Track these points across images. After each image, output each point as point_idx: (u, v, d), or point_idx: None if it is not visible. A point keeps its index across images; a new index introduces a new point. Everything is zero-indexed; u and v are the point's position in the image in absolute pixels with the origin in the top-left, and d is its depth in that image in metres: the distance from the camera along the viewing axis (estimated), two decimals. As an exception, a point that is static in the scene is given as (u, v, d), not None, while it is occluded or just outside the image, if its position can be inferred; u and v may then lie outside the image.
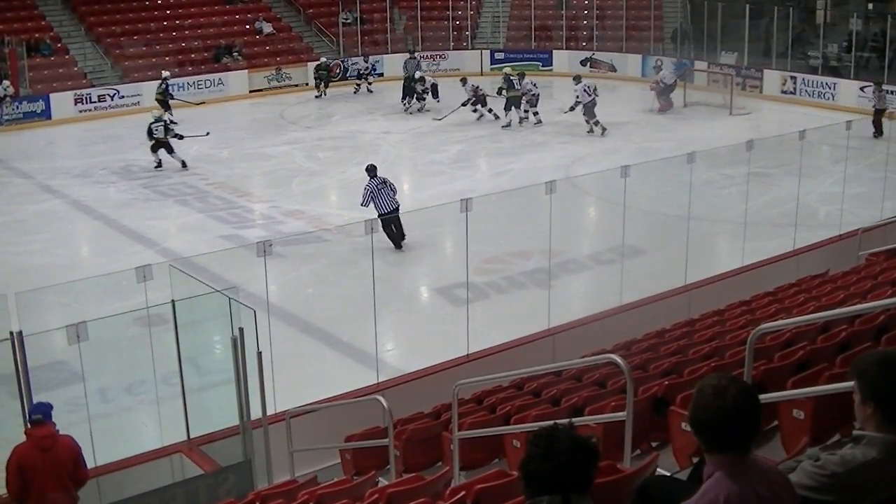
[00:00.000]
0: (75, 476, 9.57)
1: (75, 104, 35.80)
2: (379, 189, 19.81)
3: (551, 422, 4.36)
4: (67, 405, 12.67)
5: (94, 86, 36.90)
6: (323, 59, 38.93)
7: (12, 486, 9.28)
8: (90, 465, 10.38)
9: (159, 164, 27.50)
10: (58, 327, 10.84)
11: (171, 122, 29.69)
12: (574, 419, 8.50)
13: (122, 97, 36.75)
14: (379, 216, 18.55)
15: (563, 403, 9.81)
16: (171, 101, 33.92)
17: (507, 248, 19.63)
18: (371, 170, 20.28)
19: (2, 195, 25.79)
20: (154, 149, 27.46)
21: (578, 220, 22.33)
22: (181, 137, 27.78)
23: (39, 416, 9.43)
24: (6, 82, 34.91)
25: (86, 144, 31.28)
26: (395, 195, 20.06)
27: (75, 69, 37.75)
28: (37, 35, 38.13)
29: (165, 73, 34.92)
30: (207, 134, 30.31)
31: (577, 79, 31.04)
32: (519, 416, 9.65)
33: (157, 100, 33.62)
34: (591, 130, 30.17)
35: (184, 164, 27.48)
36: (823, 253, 17.24)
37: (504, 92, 31.52)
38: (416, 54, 39.09)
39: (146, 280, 11.39)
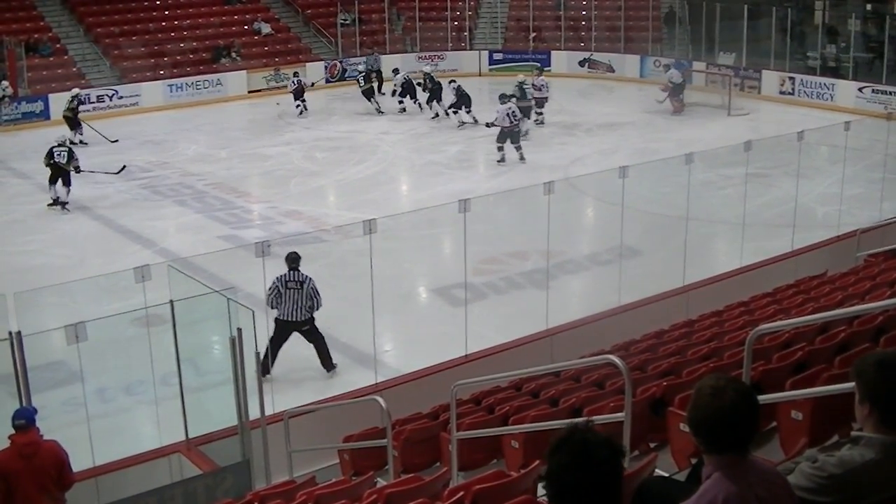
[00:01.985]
0: (60, 482, 9.53)
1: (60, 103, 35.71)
2: (286, 288, 14.49)
3: (569, 423, 4.18)
4: (66, 405, 12.72)
5: (92, 86, 36.91)
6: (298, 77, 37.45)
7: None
8: (88, 464, 10.39)
9: (55, 202, 24.26)
10: (57, 327, 10.86)
11: (80, 141, 30.05)
12: (573, 420, 8.53)
13: (121, 97, 36.79)
14: (276, 321, 14.51)
15: (562, 404, 9.81)
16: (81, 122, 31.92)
17: (506, 248, 19.63)
18: (292, 260, 14.71)
19: (0, 195, 25.79)
20: (52, 179, 24.35)
21: (577, 220, 22.36)
22: (78, 171, 24.84)
23: (22, 421, 9.36)
24: (5, 83, 34.98)
25: (84, 145, 31.23)
26: (309, 303, 14.60)
27: (74, 69, 37.78)
28: (35, 35, 38.17)
29: (75, 90, 33.13)
30: (116, 141, 30.49)
31: (503, 98, 28.24)
32: (517, 417, 9.65)
33: (64, 117, 31.90)
34: (501, 160, 27.23)
35: (64, 206, 24.14)
36: (822, 254, 17.25)
37: (514, 100, 30.97)
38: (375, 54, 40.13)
39: (145, 280, 11.41)
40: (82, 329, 10.14)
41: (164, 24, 40.92)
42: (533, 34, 43.36)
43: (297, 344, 14.74)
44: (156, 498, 10.02)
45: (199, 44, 40.31)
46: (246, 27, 42.17)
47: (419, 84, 33.84)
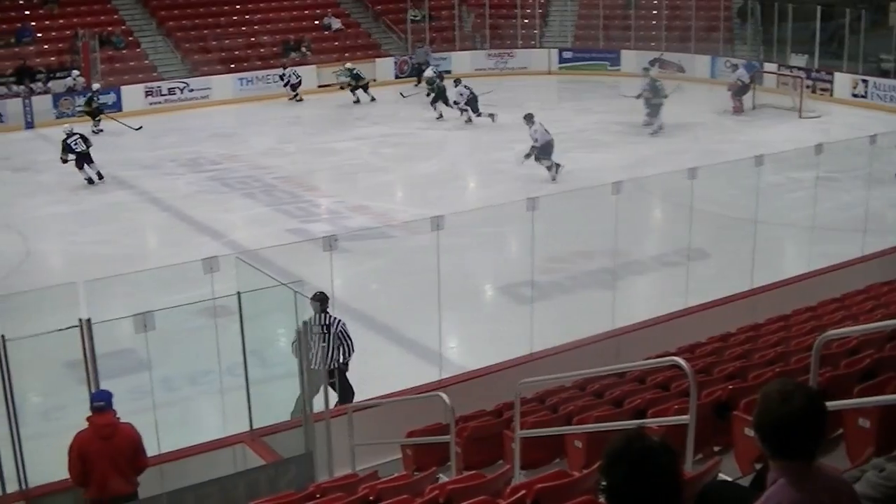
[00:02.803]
0: (134, 463, 9.68)
1: (146, 97, 36.29)
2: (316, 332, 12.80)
3: (622, 434, 4.13)
4: (133, 393, 12.82)
5: (164, 79, 37.31)
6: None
7: (73, 472, 9.42)
8: (154, 452, 10.49)
9: (91, 180, 26.12)
10: (125, 316, 10.97)
11: (94, 131, 30.83)
12: (637, 421, 8.51)
13: (192, 90, 37.14)
14: None
15: (626, 405, 9.78)
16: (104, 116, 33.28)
17: (572, 247, 19.57)
18: (319, 301, 13.15)
19: (73, 185, 26.12)
20: (79, 164, 26.11)
21: (644, 221, 22.24)
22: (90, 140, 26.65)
23: (102, 403, 9.54)
24: (75, 72, 35.53)
25: (155, 136, 31.56)
26: (341, 347, 13.27)
27: (146, 62, 38.23)
28: (109, 29, 38.65)
29: (96, 86, 34.23)
30: (140, 128, 30.87)
31: (530, 119, 26.30)
32: (581, 417, 9.63)
33: (84, 112, 33.27)
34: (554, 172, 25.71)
35: (100, 176, 26.25)
36: (893, 260, 17.02)
37: (649, 98, 30.24)
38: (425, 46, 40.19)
39: (213, 272, 11.50)
40: (150, 318, 10.25)
41: (235, 18, 41.26)
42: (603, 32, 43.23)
43: (360, 338, 14.81)
44: (219, 487, 10.09)
45: (270, 38, 40.58)
46: (316, 22, 42.38)
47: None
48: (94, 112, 32.97)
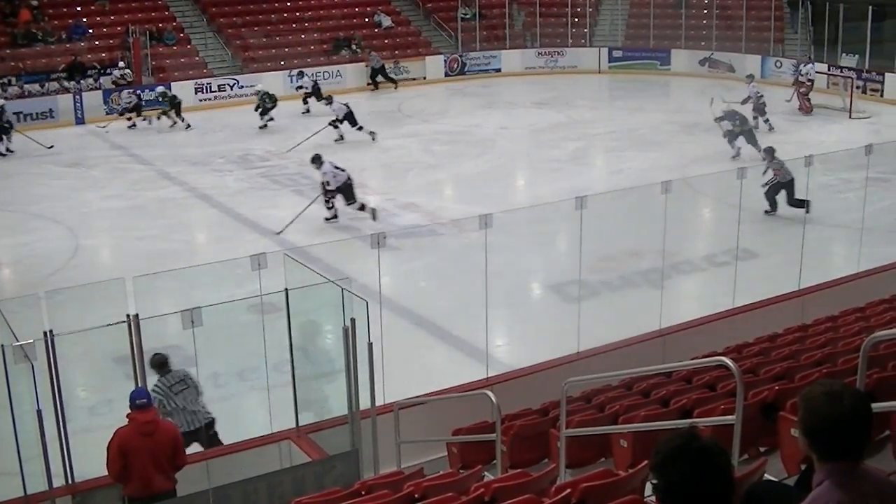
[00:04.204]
0: (174, 460, 9.75)
1: (196, 93, 36.45)
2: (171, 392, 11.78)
3: (679, 433, 4.09)
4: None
5: (214, 75, 37.53)
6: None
7: (113, 468, 9.49)
8: (200, 447, 10.57)
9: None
10: (173, 312, 11.04)
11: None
12: (685, 421, 8.48)
13: (242, 87, 37.27)
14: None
15: (672, 405, 9.75)
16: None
17: (621, 246, 19.48)
18: (158, 363, 11.72)
19: (123, 180, 26.37)
20: None
21: (693, 220, 22.13)
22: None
23: (144, 400, 9.62)
24: (121, 63, 35.91)
25: (205, 133, 31.77)
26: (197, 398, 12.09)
27: (196, 59, 38.46)
28: (160, 25, 38.91)
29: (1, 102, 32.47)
30: (51, 147, 30.30)
31: (318, 161, 22.65)
32: (627, 416, 9.61)
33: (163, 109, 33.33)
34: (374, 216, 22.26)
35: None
36: (944, 261, 16.85)
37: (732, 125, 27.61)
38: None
39: (261, 268, 11.54)
40: (198, 314, 10.29)
41: (285, 14, 41.43)
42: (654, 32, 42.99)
43: (408, 336, 14.81)
44: (265, 483, 10.14)
45: (320, 35, 40.70)
46: (366, 19, 42.46)
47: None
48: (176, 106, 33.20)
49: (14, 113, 33.01)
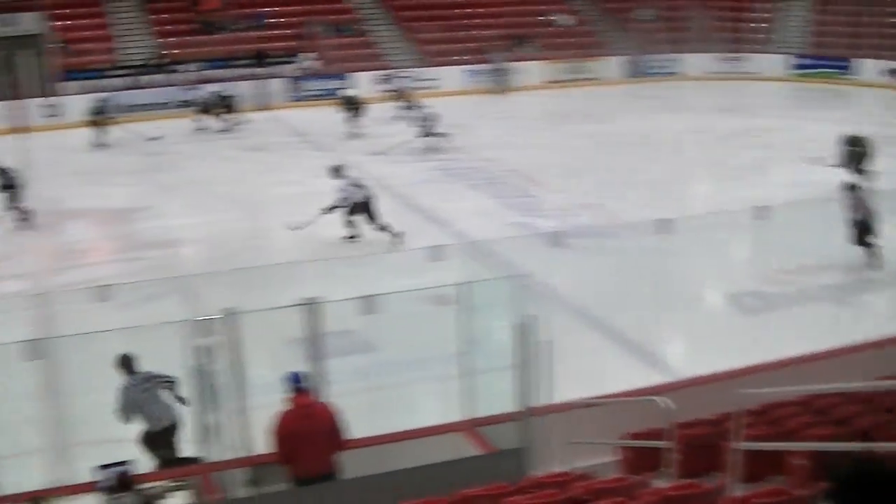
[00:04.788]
0: (335, 442, 9.84)
1: (374, 84, 36.82)
2: (142, 390, 11.90)
3: (849, 450, 3.91)
4: (353, 373, 13.10)
5: (393, 67, 37.92)
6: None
7: (279, 451, 9.61)
8: (369, 433, 10.66)
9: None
10: (351, 298, 11.19)
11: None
12: (864, 444, 8.23)
13: (420, 80, 37.58)
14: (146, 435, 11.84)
15: (851, 425, 9.48)
16: None
17: (803, 259, 19.02)
18: (125, 363, 12.07)
19: (300, 167, 26.81)
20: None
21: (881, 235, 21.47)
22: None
23: (302, 384, 9.73)
24: (307, 58, 36.61)
25: (385, 124, 32.10)
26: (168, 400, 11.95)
27: (375, 51, 38.91)
28: (340, 17, 39.56)
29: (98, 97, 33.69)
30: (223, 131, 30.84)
31: (337, 172, 21.46)
32: (803, 434, 9.38)
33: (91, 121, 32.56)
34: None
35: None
36: None
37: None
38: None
39: (438, 260, 11.62)
40: (374, 302, 10.41)
41: (466, 10, 41.64)
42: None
43: (581, 336, 14.70)
44: (432, 473, 10.17)
45: (499, 32, 40.79)
46: (543, 18, 42.40)
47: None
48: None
49: (199, 97, 34.16)
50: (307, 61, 37.41)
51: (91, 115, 32.14)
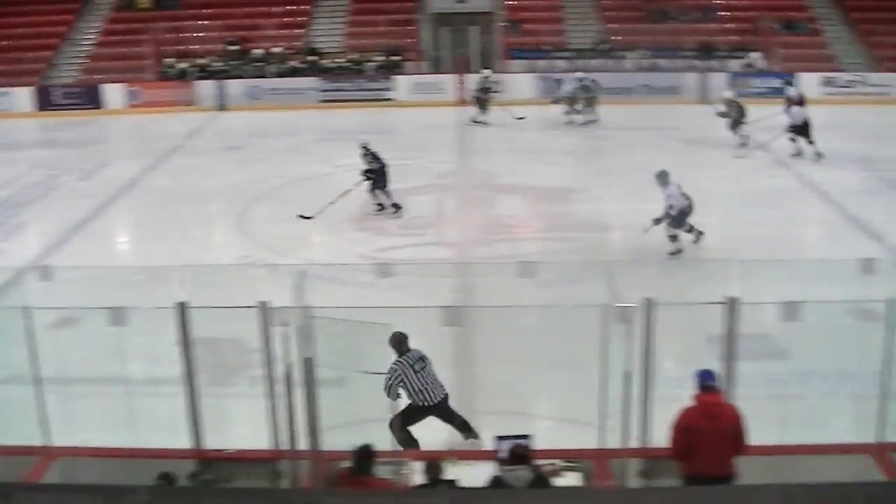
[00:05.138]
0: (736, 446, 9.64)
1: (822, 86, 35.70)
2: (415, 370, 12.19)
3: None
4: (763, 378, 12.84)
5: (843, 70, 36.64)
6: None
7: (676, 446, 9.54)
8: (770, 441, 10.41)
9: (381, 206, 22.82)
10: (770, 301, 10.93)
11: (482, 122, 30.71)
12: None
13: (871, 85, 36.09)
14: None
15: None
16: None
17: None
18: (398, 342, 12.13)
19: (738, 165, 26.46)
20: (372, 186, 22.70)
21: None
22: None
23: (712, 382, 9.60)
24: (755, 54, 36.04)
25: (827, 129, 31.06)
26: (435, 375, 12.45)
27: (826, 51, 37.74)
28: (793, 14, 38.66)
29: (487, 72, 34.16)
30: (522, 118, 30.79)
31: (664, 179, 19.73)
32: None
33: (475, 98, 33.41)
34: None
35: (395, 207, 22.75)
36: None
37: None
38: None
39: (869, 273, 11.17)
40: (797, 308, 10.14)
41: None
42: None
43: None
44: (832, 493, 9.78)
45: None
46: None
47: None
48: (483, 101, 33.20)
49: (642, 86, 34.34)
50: (754, 57, 36.81)
51: (477, 91, 33.25)
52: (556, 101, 33.25)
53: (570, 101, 32.69)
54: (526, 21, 40.28)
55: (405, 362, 12.06)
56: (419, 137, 31.08)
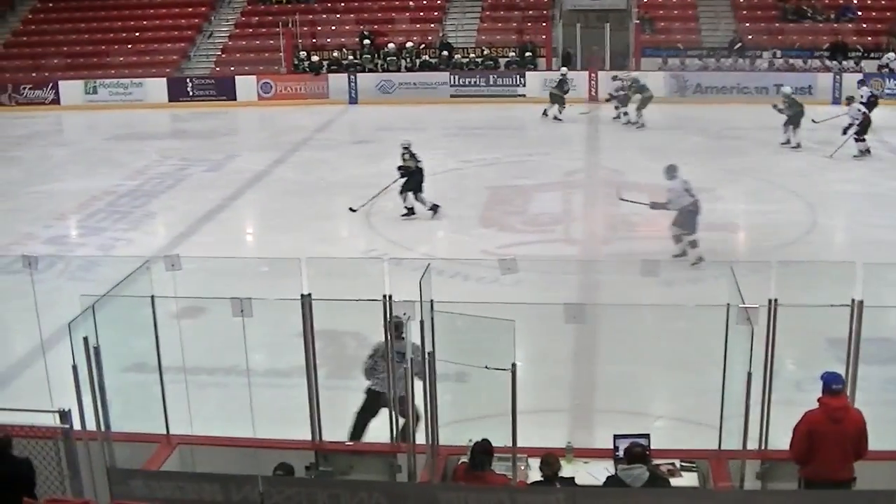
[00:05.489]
0: (857, 451, 9.54)
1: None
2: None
3: None
4: (884, 383, 12.70)
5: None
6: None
7: (797, 449, 9.46)
8: (889, 446, 10.28)
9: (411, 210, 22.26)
10: (894, 305, 10.80)
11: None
12: None
13: None
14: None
15: None
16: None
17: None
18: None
19: (867, 167, 26.16)
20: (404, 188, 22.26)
21: None
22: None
23: (838, 386, 9.48)
24: (891, 55, 35.50)
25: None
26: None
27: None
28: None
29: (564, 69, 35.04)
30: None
31: (672, 172, 19.43)
32: None
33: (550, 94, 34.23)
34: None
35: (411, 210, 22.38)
36: None
37: None
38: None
39: None
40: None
41: None
42: None
43: None
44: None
45: None
46: None
47: None
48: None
49: (774, 85, 33.93)
50: (891, 58, 36.07)
51: (555, 88, 33.49)
52: (608, 100, 33.78)
53: (623, 100, 32.76)
54: (659, 19, 40.04)
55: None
56: (549, 134, 31.10)
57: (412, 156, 22.12)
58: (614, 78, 33.63)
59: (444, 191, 23.25)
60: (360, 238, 21.17)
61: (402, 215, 22.03)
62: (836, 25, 38.12)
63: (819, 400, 9.46)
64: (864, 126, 26.46)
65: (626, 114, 32.30)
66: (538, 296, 14.99)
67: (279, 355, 13.83)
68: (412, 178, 22.14)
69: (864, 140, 26.60)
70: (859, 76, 33.61)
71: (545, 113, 33.42)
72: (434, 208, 22.22)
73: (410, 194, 22.06)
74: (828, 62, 36.44)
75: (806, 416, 9.45)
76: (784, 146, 28.16)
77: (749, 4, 40.05)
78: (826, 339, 12.25)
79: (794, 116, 28.21)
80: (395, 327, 10.46)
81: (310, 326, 10.04)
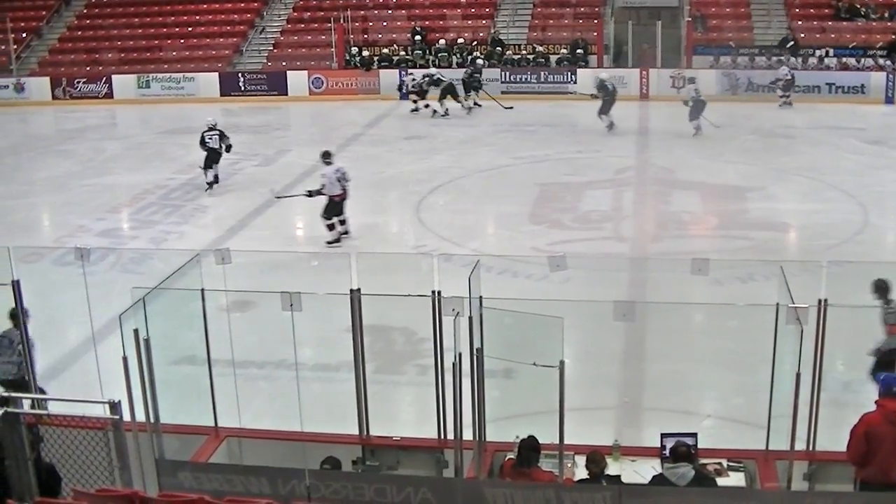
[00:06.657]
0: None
1: None
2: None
3: None
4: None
5: None
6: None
7: (853, 451, 9.37)
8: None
9: (210, 185, 24.80)
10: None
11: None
12: None
13: None
14: None
15: None
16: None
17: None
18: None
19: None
20: (206, 163, 24.78)
21: None
22: (229, 150, 25.05)
23: (894, 388, 9.41)
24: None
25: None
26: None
27: None
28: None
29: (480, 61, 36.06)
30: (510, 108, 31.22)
31: (326, 157, 20.40)
32: None
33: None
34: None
35: (210, 185, 24.87)
36: None
37: None
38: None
39: None
40: None
41: None
42: None
43: None
44: None
45: None
46: None
47: None
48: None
49: (826, 84, 33.67)
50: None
51: (598, 91, 32.49)
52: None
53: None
54: (712, 16, 39.81)
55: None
56: (600, 131, 31.00)
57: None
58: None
59: (495, 187, 23.21)
60: (411, 233, 21.20)
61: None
62: (890, 24, 37.70)
63: (877, 402, 9.36)
64: None
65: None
66: (587, 293, 14.95)
67: (328, 350, 13.88)
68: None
69: None
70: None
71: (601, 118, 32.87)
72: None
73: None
74: (881, 61, 36.05)
75: (864, 417, 9.34)
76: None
77: (802, 2, 39.69)
78: (876, 341, 12.14)
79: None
80: None
81: (359, 321, 10.07)
